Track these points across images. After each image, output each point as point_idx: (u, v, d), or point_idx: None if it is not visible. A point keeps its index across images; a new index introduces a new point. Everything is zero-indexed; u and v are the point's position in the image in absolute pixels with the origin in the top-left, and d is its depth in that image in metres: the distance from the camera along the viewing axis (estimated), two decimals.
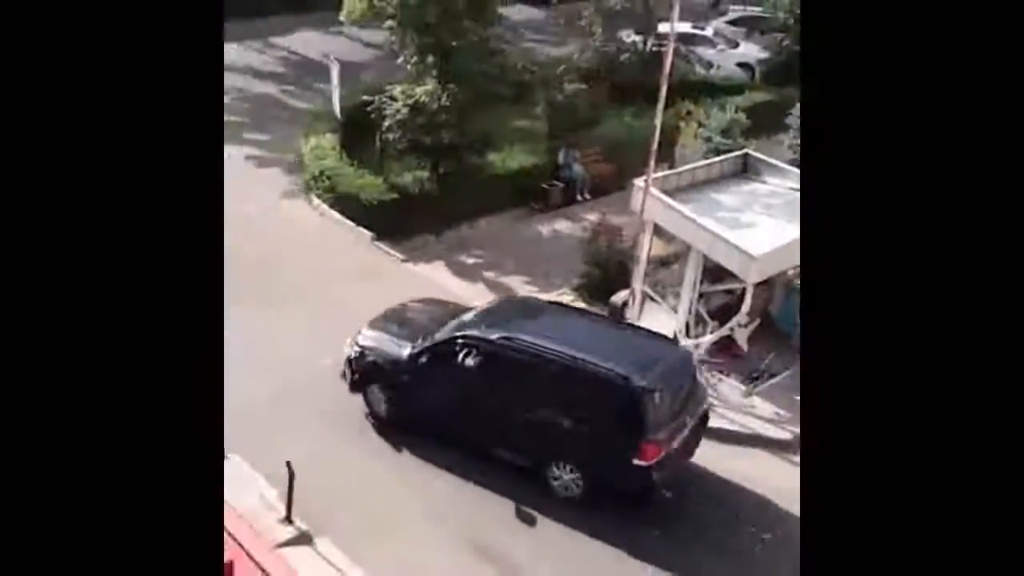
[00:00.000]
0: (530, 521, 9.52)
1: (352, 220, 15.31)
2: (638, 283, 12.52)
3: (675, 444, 9.55)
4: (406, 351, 10.42)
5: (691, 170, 13.21)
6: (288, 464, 8.84)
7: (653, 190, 11.92)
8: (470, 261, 14.82)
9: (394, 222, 15.09)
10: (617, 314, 12.17)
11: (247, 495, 9.14)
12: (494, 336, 9.97)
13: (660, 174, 12.63)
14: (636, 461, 9.18)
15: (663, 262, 13.31)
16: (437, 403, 10.21)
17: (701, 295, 12.50)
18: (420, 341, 10.44)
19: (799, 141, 15.77)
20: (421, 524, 9.36)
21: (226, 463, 9.70)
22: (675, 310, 12.58)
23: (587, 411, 9.46)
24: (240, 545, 6.17)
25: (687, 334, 12.31)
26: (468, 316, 10.74)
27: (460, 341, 10.07)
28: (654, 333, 10.82)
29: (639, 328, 11.04)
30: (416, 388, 10.31)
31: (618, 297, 12.29)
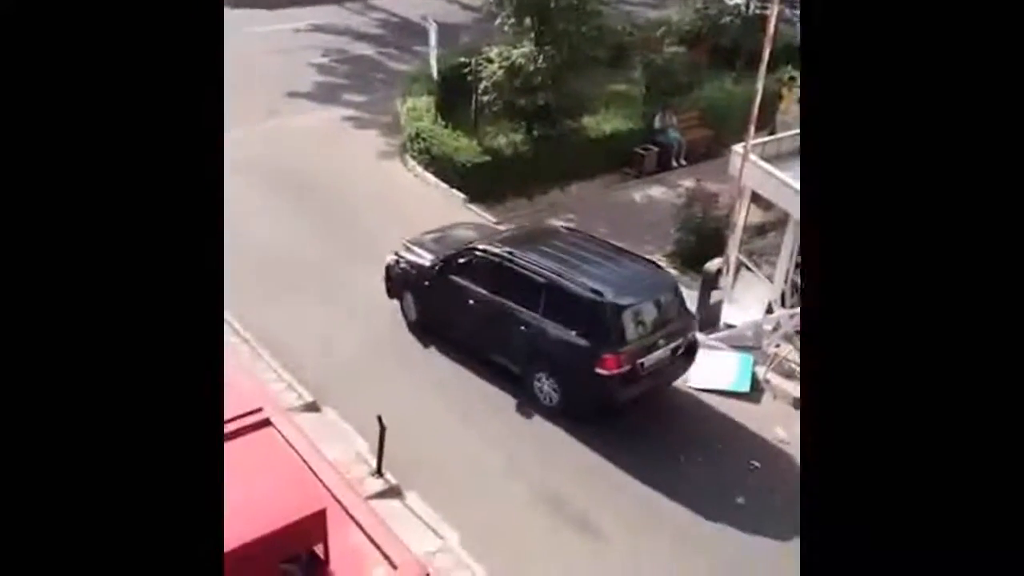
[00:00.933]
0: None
1: (446, 182, 15.43)
2: (733, 251, 12.30)
3: (643, 363, 10.06)
4: (430, 261, 11.36)
5: (792, 137, 12.81)
6: (379, 419, 9.05)
7: (752, 156, 11.63)
8: (558, 225, 14.77)
9: (487, 185, 15.15)
10: (711, 281, 11.97)
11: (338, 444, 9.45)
12: (499, 250, 10.75)
13: (760, 140, 12.32)
14: (598, 370, 9.78)
15: (760, 230, 13.00)
16: (450, 309, 11.11)
17: (797, 265, 12.18)
18: (443, 253, 11.43)
19: None
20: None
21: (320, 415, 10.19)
22: (770, 279, 12.31)
23: (566, 324, 10.10)
24: (331, 493, 6.34)
25: (783, 303, 12.04)
26: (497, 236, 11.61)
27: (474, 254, 10.97)
28: (655, 266, 11.38)
29: (644, 260, 11.38)
30: (435, 295, 11.31)
31: (712, 264, 12.08)
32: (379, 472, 9.25)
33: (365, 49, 21.82)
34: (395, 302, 11.96)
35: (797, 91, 16.61)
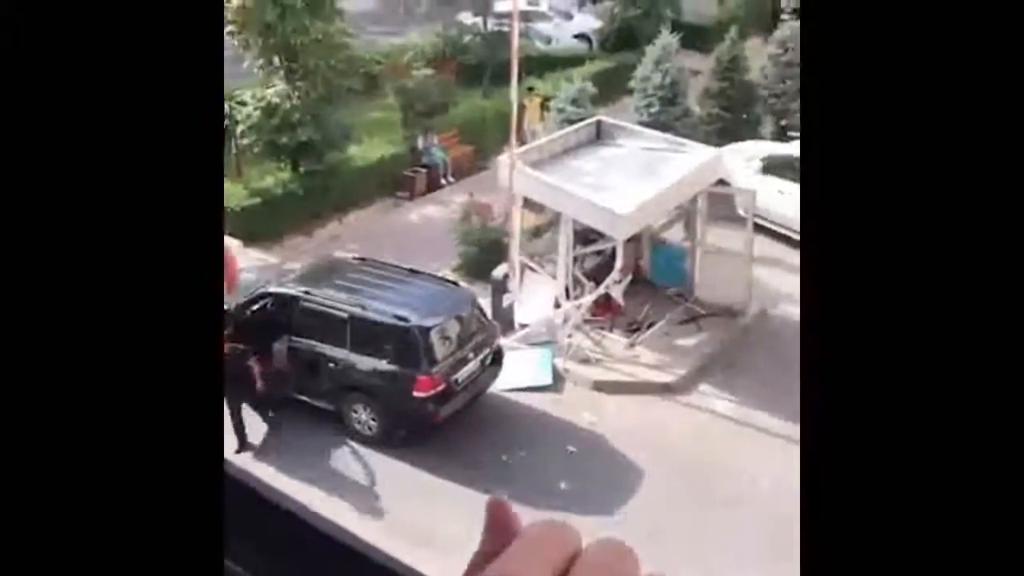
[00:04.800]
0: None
1: None
2: (515, 255, 12.97)
3: (456, 378, 10.49)
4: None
5: (549, 142, 13.71)
6: None
7: (519, 164, 12.35)
8: (347, 256, 14.88)
9: (262, 226, 14.93)
10: (500, 287, 12.57)
11: None
12: (294, 291, 10.86)
13: (521, 149, 13.08)
14: (415, 393, 10.11)
15: (536, 233, 13.79)
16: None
17: (575, 259, 13.06)
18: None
19: (642, 103, 16.58)
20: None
21: None
22: (553, 276, 13.10)
23: (376, 354, 10.34)
24: None
25: (567, 296, 12.85)
26: (288, 278, 11.69)
27: (267, 298, 10.96)
28: (450, 282, 11.93)
29: (438, 278, 11.92)
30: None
31: (498, 271, 12.68)
32: None
33: None
34: None
35: (537, 99, 17.74)
